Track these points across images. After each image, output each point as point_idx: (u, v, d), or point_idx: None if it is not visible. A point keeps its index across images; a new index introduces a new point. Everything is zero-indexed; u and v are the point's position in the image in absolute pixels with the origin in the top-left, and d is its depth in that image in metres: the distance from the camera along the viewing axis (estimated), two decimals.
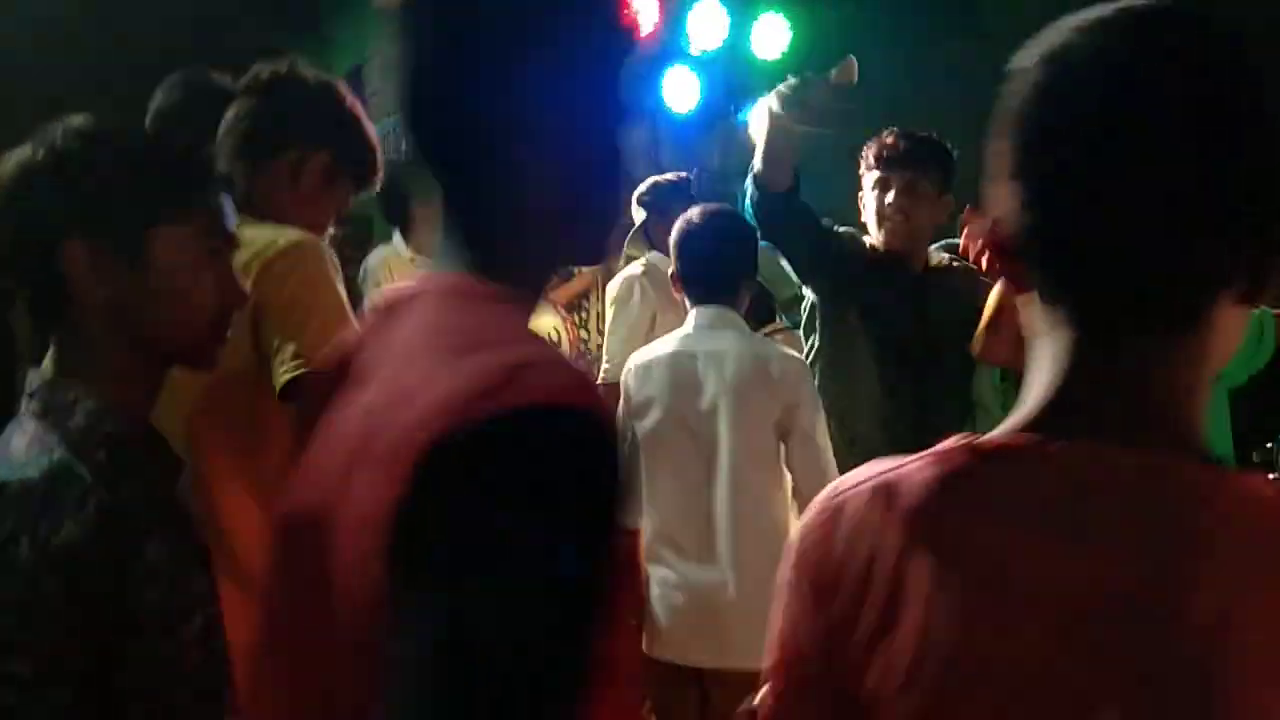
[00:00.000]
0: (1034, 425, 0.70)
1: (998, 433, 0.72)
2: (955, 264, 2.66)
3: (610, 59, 0.80)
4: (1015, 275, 0.73)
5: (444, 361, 0.66)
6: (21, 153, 1.09)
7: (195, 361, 1.14)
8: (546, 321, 3.72)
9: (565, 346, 3.74)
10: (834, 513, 0.74)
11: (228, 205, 1.14)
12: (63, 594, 0.95)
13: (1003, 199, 0.71)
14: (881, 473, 0.73)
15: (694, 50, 4.74)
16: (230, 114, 1.61)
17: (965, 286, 2.63)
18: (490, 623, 0.58)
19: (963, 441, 0.72)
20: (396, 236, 3.64)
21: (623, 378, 2.39)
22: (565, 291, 4.10)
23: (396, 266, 3.56)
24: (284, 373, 1.39)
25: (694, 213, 2.42)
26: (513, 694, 0.58)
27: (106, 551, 0.98)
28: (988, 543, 0.67)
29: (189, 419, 1.41)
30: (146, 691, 1.03)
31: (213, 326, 1.13)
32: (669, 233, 3.37)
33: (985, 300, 2.65)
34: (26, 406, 1.09)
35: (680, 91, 4.77)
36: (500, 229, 0.78)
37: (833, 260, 2.53)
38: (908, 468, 0.72)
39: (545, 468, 0.61)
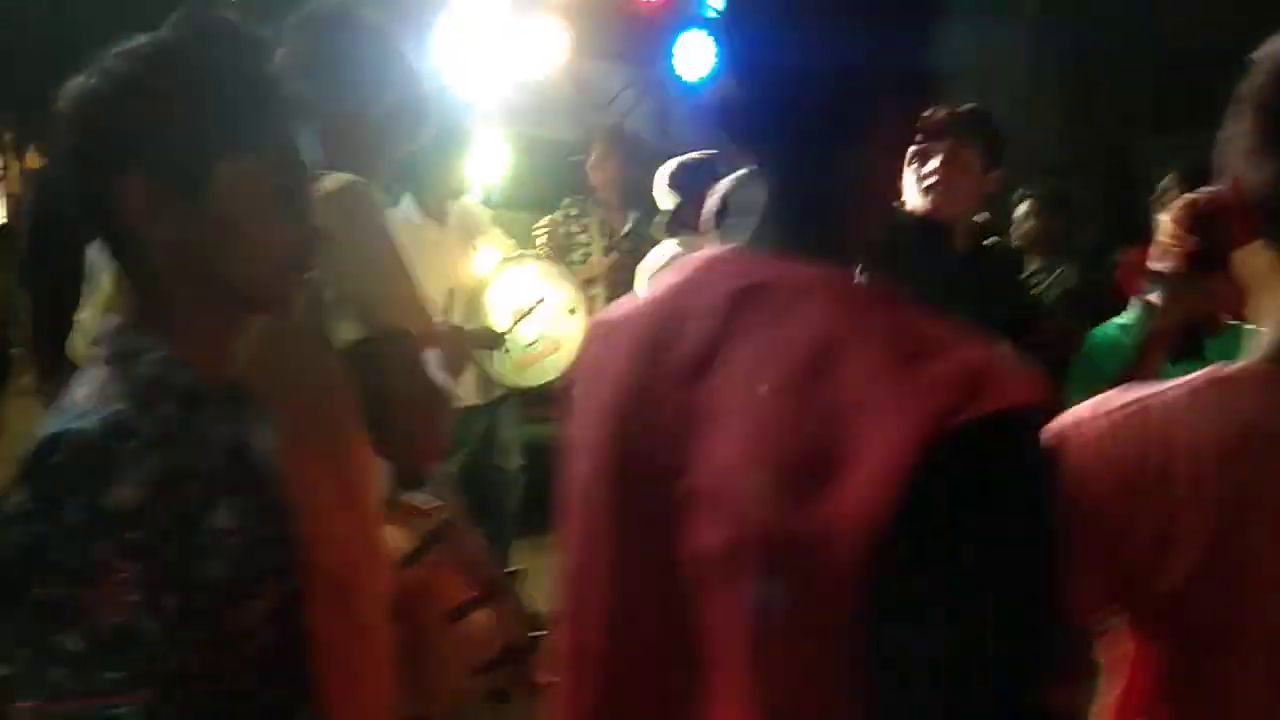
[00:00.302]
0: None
1: (1244, 366, 0.85)
2: (996, 247, 2.59)
3: (937, 20, 0.80)
4: (1251, 227, 0.88)
5: (907, 365, 0.67)
6: (80, 79, 0.97)
7: (271, 308, 1.03)
8: (569, 297, 3.62)
9: (583, 322, 3.65)
10: (1105, 432, 0.85)
11: (307, 135, 1.03)
12: (115, 562, 0.85)
13: (1248, 165, 0.85)
14: (1142, 396, 0.85)
15: (710, 14, 4.60)
16: (286, 52, 1.46)
17: (1006, 268, 2.56)
18: (1005, 602, 0.64)
19: (1218, 371, 0.85)
20: (407, 200, 3.51)
21: None
22: (583, 273, 4.03)
23: (406, 233, 3.42)
24: (347, 334, 1.27)
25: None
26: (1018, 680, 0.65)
27: (165, 517, 0.88)
28: (1262, 451, 0.80)
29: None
30: (208, 673, 0.93)
31: (287, 269, 1.02)
32: (699, 214, 3.29)
33: (1025, 282, 2.59)
34: (94, 352, 0.97)
35: (694, 58, 4.63)
36: (853, 210, 0.80)
37: (889, 244, 2.46)
38: (1172, 393, 0.84)
39: (1035, 462, 0.67)
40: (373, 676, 1.36)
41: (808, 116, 0.77)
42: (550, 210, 4.22)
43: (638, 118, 4.83)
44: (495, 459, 3.71)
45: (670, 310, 0.82)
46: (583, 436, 0.87)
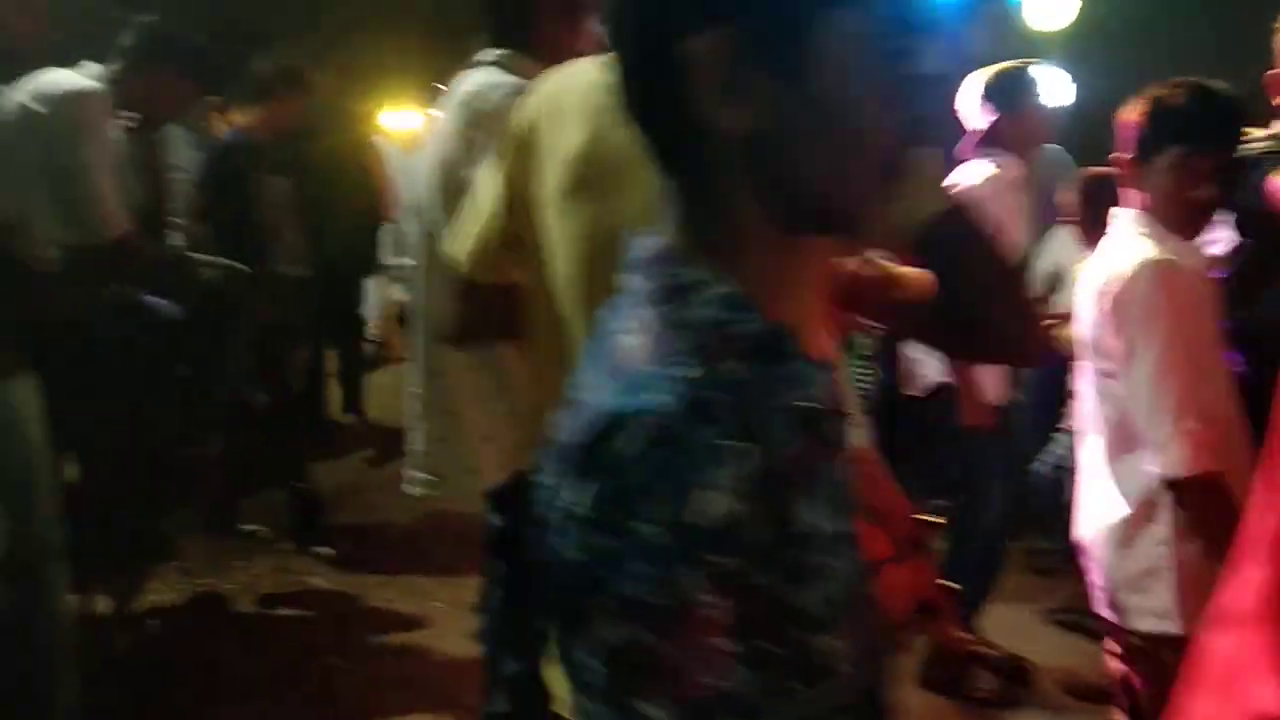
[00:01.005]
0: None
1: None
2: None
3: None
4: None
5: None
6: None
7: (849, 228, 0.75)
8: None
9: None
10: None
11: None
12: (705, 598, 0.60)
13: None
14: None
15: None
16: None
17: None
18: None
19: None
20: None
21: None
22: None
23: None
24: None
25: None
26: None
27: (762, 530, 0.63)
28: None
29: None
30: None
31: (884, 176, 0.72)
32: (1021, 131, 2.93)
33: None
34: (633, 283, 0.74)
35: None
36: None
37: None
38: None
39: None
40: None
41: None
42: None
43: None
44: None
45: None
46: None
